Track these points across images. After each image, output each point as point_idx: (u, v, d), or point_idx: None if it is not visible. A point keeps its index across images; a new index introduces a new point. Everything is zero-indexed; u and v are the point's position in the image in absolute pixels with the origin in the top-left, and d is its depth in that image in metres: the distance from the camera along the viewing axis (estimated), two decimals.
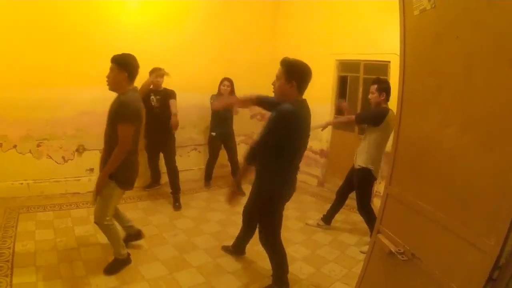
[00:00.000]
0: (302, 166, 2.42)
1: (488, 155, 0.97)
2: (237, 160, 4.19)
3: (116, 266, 2.44)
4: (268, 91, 5.36)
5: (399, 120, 1.41)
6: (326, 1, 4.75)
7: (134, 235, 2.78)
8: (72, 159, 3.65)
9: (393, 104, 1.87)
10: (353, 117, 3.16)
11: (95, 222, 2.38)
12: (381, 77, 3.34)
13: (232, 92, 4.00)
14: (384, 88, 3.01)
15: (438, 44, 1.18)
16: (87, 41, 3.51)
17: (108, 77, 2.33)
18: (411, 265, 1.26)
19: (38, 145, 3.47)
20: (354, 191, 3.17)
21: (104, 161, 2.34)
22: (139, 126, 2.39)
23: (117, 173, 2.29)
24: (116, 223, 2.53)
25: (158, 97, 3.64)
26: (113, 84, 2.34)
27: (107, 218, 2.36)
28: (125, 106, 2.25)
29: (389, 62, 4.06)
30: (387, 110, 2.98)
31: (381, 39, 4.16)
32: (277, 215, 2.31)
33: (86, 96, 3.58)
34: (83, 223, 3.10)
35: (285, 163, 2.17)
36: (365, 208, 3.11)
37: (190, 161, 4.59)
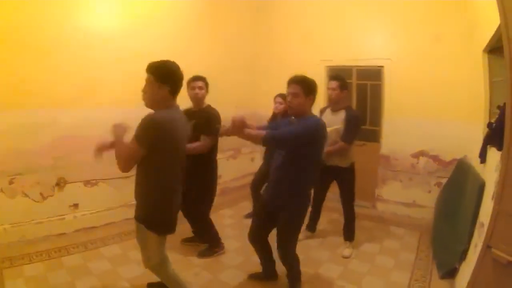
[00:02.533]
0: None
1: None
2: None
3: None
4: (253, 95, 5.39)
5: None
6: (313, 9, 4.96)
7: None
8: (52, 195, 3.09)
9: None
10: (343, 144, 3.10)
11: (146, 268, 2.09)
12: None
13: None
14: (346, 85, 3.19)
15: None
16: (62, 54, 3.04)
17: (144, 91, 1.92)
18: None
19: (11, 182, 2.87)
20: (342, 190, 3.32)
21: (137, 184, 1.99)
22: (170, 154, 1.93)
23: (146, 216, 1.96)
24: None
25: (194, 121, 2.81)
26: (151, 101, 1.91)
27: (157, 261, 2.02)
28: (144, 122, 1.83)
29: (383, 67, 4.46)
30: (359, 113, 3.35)
31: (372, 45, 4.53)
32: None
33: (65, 118, 3.11)
34: (83, 273, 2.64)
35: (308, 174, 2.31)
36: (353, 202, 3.31)
37: None
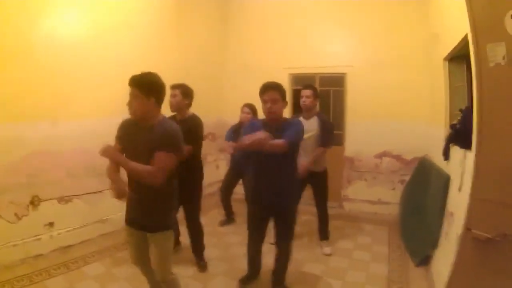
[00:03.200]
0: None
1: None
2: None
3: None
4: (218, 102, 5.45)
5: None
6: (277, 19, 5.17)
7: None
8: (26, 215, 2.87)
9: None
10: (322, 149, 3.29)
11: (163, 281, 2.03)
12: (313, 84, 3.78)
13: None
14: (318, 94, 3.43)
15: None
16: (28, 64, 2.85)
17: (130, 105, 1.93)
18: (503, 241, 1.69)
19: None
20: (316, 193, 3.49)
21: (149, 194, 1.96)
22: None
23: (166, 220, 2.01)
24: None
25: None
26: (139, 113, 1.93)
27: (172, 272, 2.06)
28: (173, 132, 1.94)
29: (345, 73, 4.74)
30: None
31: (335, 53, 4.79)
32: None
33: (36, 133, 2.93)
34: None
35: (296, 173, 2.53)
36: (327, 203, 3.52)
37: None
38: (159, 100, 1.97)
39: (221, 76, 5.55)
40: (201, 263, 3.09)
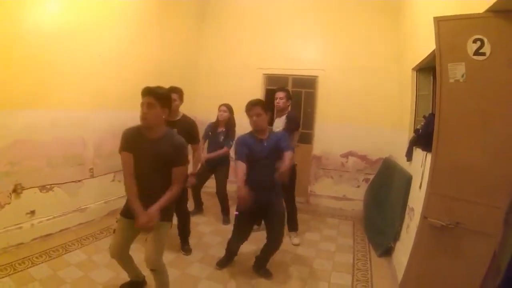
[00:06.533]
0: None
1: None
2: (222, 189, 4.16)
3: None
4: (193, 100, 5.54)
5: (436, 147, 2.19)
6: (253, 21, 5.35)
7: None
8: (9, 203, 2.85)
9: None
10: (291, 153, 3.35)
11: (152, 269, 2.17)
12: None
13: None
14: (291, 96, 3.79)
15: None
16: (11, 54, 2.82)
17: (146, 114, 2.06)
18: (455, 228, 2.02)
19: None
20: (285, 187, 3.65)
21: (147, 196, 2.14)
22: None
23: (167, 211, 2.23)
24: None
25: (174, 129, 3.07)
26: (155, 122, 2.11)
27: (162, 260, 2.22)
28: (184, 148, 2.25)
29: (317, 76, 4.99)
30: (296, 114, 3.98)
31: (308, 56, 5.04)
32: None
33: (18, 120, 2.91)
34: (56, 283, 2.54)
35: None
36: (294, 197, 3.81)
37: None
38: (169, 112, 2.20)
39: (196, 74, 5.63)
40: (186, 247, 3.33)
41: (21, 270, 2.62)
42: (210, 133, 4.17)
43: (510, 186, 1.85)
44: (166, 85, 4.41)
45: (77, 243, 3.20)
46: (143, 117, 2.09)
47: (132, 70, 4.13)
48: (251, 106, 2.73)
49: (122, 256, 2.30)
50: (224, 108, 4.08)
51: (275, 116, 3.72)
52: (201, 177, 4.12)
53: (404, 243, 2.95)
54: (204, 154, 4.08)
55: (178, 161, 2.16)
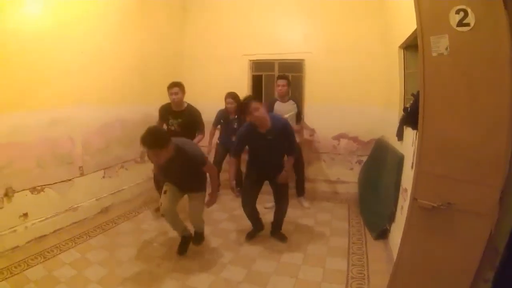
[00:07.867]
0: None
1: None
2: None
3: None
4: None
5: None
6: (236, 6, 5.23)
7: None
8: (1, 207, 2.84)
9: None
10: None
11: (196, 225, 3.07)
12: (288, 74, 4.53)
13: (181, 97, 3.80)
14: (290, 83, 4.21)
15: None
16: None
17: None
18: (447, 209, 2.00)
19: None
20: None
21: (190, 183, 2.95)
22: None
23: (202, 186, 3.01)
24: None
25: (179, 120, 3.46)
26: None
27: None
28: (198, 152, 2.91)
29: (304, 60, 4.91)
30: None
31: (293, 39, 4.95)
32: None
33: (2, 123, 2.86)
34: (51, 283, 2.54)
35: None
36: (303, 166, 4.49)
37: (120, 181, 4.27)
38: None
39: (181, 63, 5.50)
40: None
41: (17, 273, 2.62)
42: (222, 121, 4.46)
43: (502, 162, 1.78)
44: (151, 77, 4.53)
45: (70, 242, 3.21)
46: (157, 162, 2.76)
47: (117, 65, 4.07)
48: (249, 103, 2.91)
49: (172, 212, 2.90)
50: (230, 100, 4.27)
51: (279, 101, 4.23)
52: (220, 158, 4.52)
53: (399, 225, 2.91)
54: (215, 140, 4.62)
55: (200, 163, 2.83)
